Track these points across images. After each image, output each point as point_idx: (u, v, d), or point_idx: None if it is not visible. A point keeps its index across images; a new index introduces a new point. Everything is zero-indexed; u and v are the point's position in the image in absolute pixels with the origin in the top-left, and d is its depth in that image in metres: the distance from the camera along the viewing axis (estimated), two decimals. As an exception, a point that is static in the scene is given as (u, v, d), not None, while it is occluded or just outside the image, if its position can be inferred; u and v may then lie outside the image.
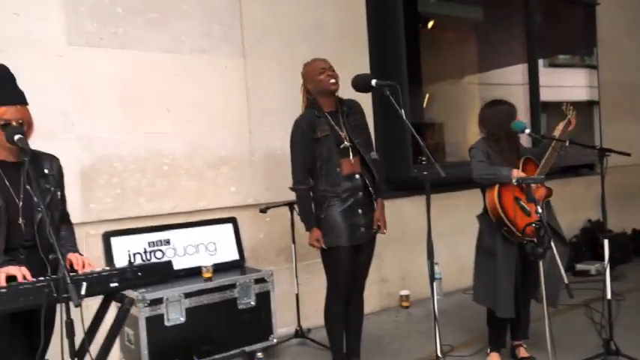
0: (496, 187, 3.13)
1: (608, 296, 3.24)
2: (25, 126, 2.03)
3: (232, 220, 3.89)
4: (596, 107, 6.60)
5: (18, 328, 2.01)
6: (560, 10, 6.46)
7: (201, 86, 3.82)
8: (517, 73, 6.19)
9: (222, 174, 3.92)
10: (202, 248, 3.71)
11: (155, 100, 3.64)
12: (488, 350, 3.36)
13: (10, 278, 1.83)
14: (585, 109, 6.60)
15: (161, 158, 3.66)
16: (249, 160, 4.04)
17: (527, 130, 3.11)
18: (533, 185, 2.78)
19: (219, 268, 3.61)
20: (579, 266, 5.59)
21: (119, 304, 1.98)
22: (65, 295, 1.62)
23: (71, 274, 1.75)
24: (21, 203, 2.06)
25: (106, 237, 3.40)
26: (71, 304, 1.65)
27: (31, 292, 1.72)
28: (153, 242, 3.55)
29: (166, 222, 3.65)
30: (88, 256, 2.16)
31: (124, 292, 1.96)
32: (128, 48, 3.53)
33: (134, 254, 3.46)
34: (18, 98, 2.05)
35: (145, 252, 3.51)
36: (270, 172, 4.12)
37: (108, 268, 1.99)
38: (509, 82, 6.25)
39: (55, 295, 1.68)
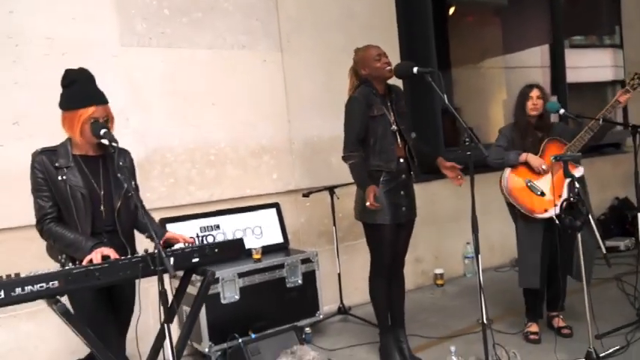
0: (506, 171, 3.35)
1: (641, 266, 3.40)
2: (110, 122, 2.26)
3: (276, 205, 4.11)
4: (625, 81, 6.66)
5: (103, 305, 2.24)
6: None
7: (242, 80, 4.03)
8: (536, 55, 6.29)
9: (264, 162, 4.13)
10: (249, 232, 3.93)
11: (201, 94, 3.86)
12: (526, 321, 3.54)
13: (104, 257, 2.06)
14: (605, 88, 6.68)
15: (208, 149, 3.89)
16: (289, 148, 4.25)
17: (562, 111, 3.27)
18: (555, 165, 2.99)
19: (266, 251, 3.83)
20: (608, 243, 5.69)
21: (201, 277, 2.20)
22: (161, 268, 1.84)
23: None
24: (102, 192, 2.27)
25: (162, 223, 3.62)
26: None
27: (129, 266, 1.95)
28: (204, 227, 3.78)
29: (215, 208, 3.88)
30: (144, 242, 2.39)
31: (204, 267, 2.18)
32: (175, 46, 3.75)
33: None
34: (103, 98, 2.27)
35: (198, 236, 3.73)
36: (309, 159, 4.33)
37: (190, 245, 2.21)
38: (529, 64, 6.35)
39: (152, 267, 1.90)
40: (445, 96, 2.66)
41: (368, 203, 2.93)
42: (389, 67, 3.08)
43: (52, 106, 2.31)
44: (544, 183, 3.29)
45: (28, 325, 3.25)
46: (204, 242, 3.68)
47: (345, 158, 3.12)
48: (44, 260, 2.32)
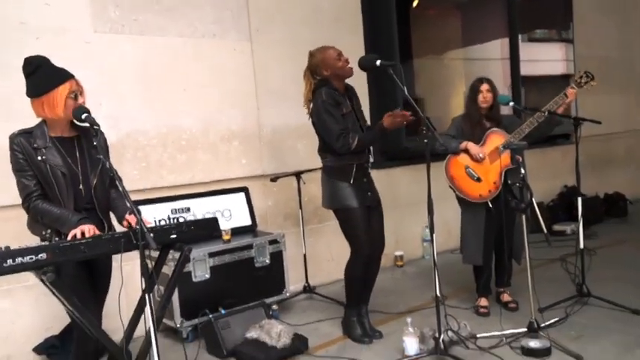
0: (447, 158, 3.65)
1: (581, 246, 3.73)
2: (84, 96, 2.37)
3: (244, 190, 4.28)
4: (574, 78, 7.06)
5: (84, 276, 2.38)
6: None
7: (213, 68, 4.17)
8: (496, 48, 6.59)
9: (233, 147, 4.29)
10: (219, 214, 4.10)
11: (173, 81, 3.98)
12: (477, 296, 3.85)
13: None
14: (561, 82, 7.05)
15: (180, 134, 4.03)
16: (258, 134, 4.42)
17: (511, 103, 3.56)
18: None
19: (235, 232, 4.00)
20: (556, 227, 6.11)
21: (179, 252, 2.37)
22: (143, 242, 2.01)
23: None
24: (79, 170, 2.39)
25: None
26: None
27: (112, 241, 2.11)
28: (175, 209, 3.93)
29: (186, 192, 4.03)
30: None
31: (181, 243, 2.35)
32: (147, 34, 3.86)
33: (159, 221, 3.84)
34: (70, 72, 2.37)
35: (169, 219, 3.89)
36: (276, 146, 4.52)
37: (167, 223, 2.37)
38: (489, 56, 6.64)
39: (135, 242, 2.06)
40: (405, 88, 2.89)
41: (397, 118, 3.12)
42: (350, 66, 3.27)
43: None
44: (482, 170, 3.58)
45: (3, 303, 3.35)
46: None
47: (345, 148, 3.18)
48: (21, 241, 2.43)
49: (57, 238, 2.15)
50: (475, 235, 3.65)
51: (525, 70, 6.42)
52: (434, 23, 6.26)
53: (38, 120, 2.40)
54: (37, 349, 3.37)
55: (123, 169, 3.74)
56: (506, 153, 3.47)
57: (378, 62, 3.04)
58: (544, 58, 7.26)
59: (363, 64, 3.13)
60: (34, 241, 2.27)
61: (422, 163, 3.95)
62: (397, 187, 5.29)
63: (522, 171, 3.14)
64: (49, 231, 2.23)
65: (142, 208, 3.77)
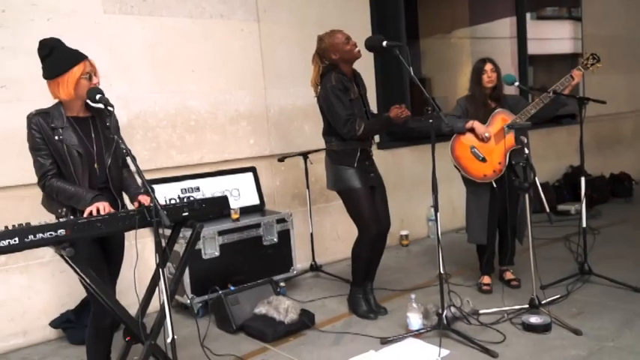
0: (453, 138, 3.68)
1: (584, 225, 3.78)
2: (98, 76, 2.42)
3: (252, 170, 4.35)
4: (580, 59, 7.04)
5: (99, 252, 2.47)
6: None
7: (221, 48, 4.21)
8: (505, 26, 6.55)
9: (241, 128, 4.35)
10: (227, 194, 4.17)
11: (182, 61, 4.03)
12: (480, 274, 3.93)
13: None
14: (570, 61, 7.02)
15: (189, 114, 4.09)
16: (265, 115, 4.47)
17: (517, 83, 3.58)
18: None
19: (243, 211, 4.09)
20: (560, 207, 6.16)
21: (190, 229, 2.45)
22: (157, 219, 2.09)
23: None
24: (95, 150, 2.47)
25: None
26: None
27: (127, 218, 2.19)
28: (185, 189, 4.01)
29: (195, 172, 4.11)
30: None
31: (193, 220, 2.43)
32: (156, 15, 3.90)
33: (169, 200, 3.90)
34: (84, 54, 2.42)
35: (179, 198, 3.94)
36: (284, 126, 4.57)
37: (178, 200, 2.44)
38: (496, 35, 6.61)
39: (149, 219, 2.14)
40: (411, 68, 2.92)
41: (402, 113, 3.25)
42: (358, 49, 3.32)
43: (38, 70, 2.42)
44: (487, 150, 3.61)
45: (20, 279, 3.47)
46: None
47: (352, 134, 3.25)
48: (35, 219, 2.50)
49: (72, 216, 2.22)
50: (479, 214, 3.71)
51: (533, 49, 6.38)
52: (441, 2, 6.23)
53: (51, 100, 2.47)
54: (53, 324, 3.49)
55: (133, 149, 3.69)
56: (510, 133, 3.49)
57: (385, 43, 3.07)
58: (552, 36, 7.20)
59: (370, 45, 3.17)
60: (49, 218, 2.36)
61: (427, 144, 3.99)
62: (403, 167, 5.35)
63: (526, 151, 3.18)
64: (64, 209, 2.31)
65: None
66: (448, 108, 4.27)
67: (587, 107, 3.68)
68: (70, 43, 2.48)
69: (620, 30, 7.40)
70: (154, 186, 3.82)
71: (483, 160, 3.49)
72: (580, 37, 6.96)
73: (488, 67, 3.63)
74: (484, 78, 3.63)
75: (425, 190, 5.41)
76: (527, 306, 3.28)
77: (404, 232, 5.31)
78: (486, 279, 3.88)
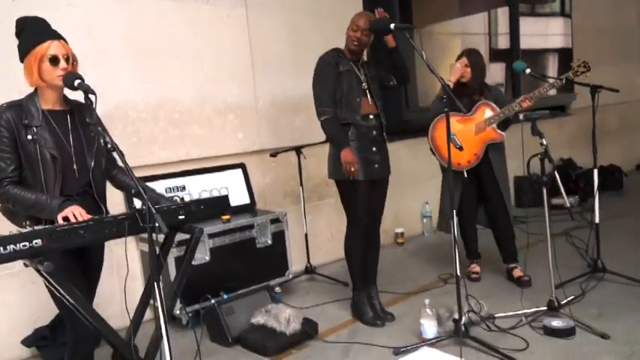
0: (435, 120, 3.59)
1: (597, 220, 3.60)
2: (72, 60, 2.09)
3: (242, 166, 4.04)
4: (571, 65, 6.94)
5: (74, 265, 2.13)
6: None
7: (206, 35, 3.87)
8: (478, 21, 6.39)
9: (229, 121, 4.03)
10: (216, 193, 3.85)
11: (164, 48, 3.68)
12: (468, 262, 3.93)
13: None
14: (560, 55, 6.91)
15: (172, 106, 3.74)
16: (255, 107, 4.15)
17: (528, 70, 3.38)
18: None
19: (233, 211, 3.75)
20: (554, 201, 5.97)
21: (189, 235, 2.14)
22: (151, 225, 1.77)
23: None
24: (73, 149, 2.12)
25: (126, 184, 3.49)
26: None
27: (115, 224, 1.86)
28: (170, 188, 3.67)
29: (179, 169, 3.77)
30: (109, 202, 2.27)
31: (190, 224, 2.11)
32: (136, -4, 3.54)
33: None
34: (57, 33, 2.10)
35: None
36: (274, 119, 4.26)
37: (177, 201, 2.13)
38: (470, 31, 6.44)
39: (142, 224, 1.82)
40: (424, 52, 2.66)
41: (347, 166, 3.00)
42: (356, 43, 3.11)
43: (12, 58, 2.12)
44: (466, 139, 3.48)
45: (-14, 293, 3.09)
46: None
47: (318, 114, 3.13)
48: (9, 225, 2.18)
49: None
50: (448, 202, 3.59)
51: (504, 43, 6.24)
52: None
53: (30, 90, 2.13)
54: (26, 342, 3.11)
55: None
56: (491, 127, 3.52)
57: (393, 25, 2.82)
58: (541, 32, 7.08)
59: (376, 28, 2.91)
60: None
61: (422, 137, 3.80)
62: (396, 161, 4.98)
63: (544, 142, 2.98)
64: (28, 222, 1.97)
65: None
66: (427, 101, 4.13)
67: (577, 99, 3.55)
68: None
69: (608, 21, 7.32)
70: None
71: (460, 148, 3.28)
72: (569, 33, 6.85)
73: (462, 62, 3.60)
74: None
75: (419, 186, 5.20)
76: (545, 308, 3.07)
77: (399, 230, 5.07)
78: (474, 267, 3.88)
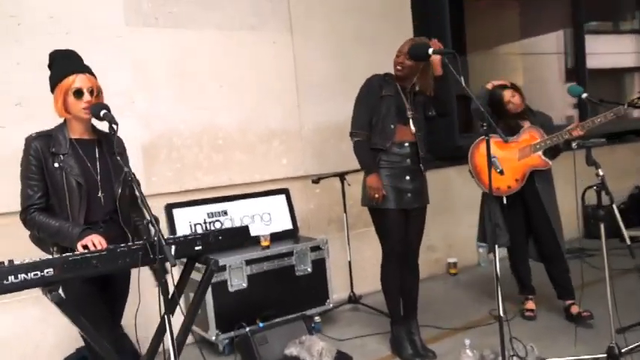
0: (475, 143, 3.46)
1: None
2: (97, 93, 2.13)
3: (285, 191, 4.01)
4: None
5: (94, 292, 2.13)
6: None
7: (251, 62, 3.91)
8: (551, 41, 6.10)
9: (273, 147, 4.03)
10: (258, 218, 3.84)
11: (208, 76, 3.75)
12: (523, 299, 3.68)
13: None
14: (628, 74, 6.47)
15: (216, 132, 3.79)
16: (299, 133, 4.13)
17: (585, 95, 3.16)
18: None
19: (275, 237, 3.75)
20: (629, 232, 5.46)
21: (204, 266, 2.11)
22: (161, 257, 1.75)
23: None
24: (99, 177, 2.17)
25: (168, 208, 3.56)
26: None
27: (128, 254, 1.86)
28: (212, 213, 3.70)
29: (222, 194, 3.80)
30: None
31: (207, 255, 2.08)
32: (182, 27, 3.64)
33: (195, 225, 3.62)
34: (84, 67, 2.15)
35: (205, 222, 3.66)
36: (319, 145, 4.22)
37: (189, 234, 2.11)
38: (543, 51, 6.17)
39: (152, 256, 1.81)
40: (462, 79, 2.52)
41: (371, 192, 2.95)
42: (398, 67, 3.03)
43: None
44: (508, 164, 3.28)
45: (33, 310, 3.20)
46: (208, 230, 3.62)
47: (351, 135, 3.11)
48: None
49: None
50: (489, 220, 3.44)
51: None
52: (489, 14, 5.83)
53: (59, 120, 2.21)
54: (68, 360, 3.20)
55: (156, 170, 3.57)
56: (537, 154, 3.35)
57: (430, 50, 2.70)
58: (604, 50, 6.68)
59: (415, 53, 2.80)
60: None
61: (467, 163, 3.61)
62: (449, 188, 4.90)
63: (600, 172, 2.73)
64: (55, 248, 2.01)
65: (176, 211, 3.60)
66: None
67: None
68: (90, 58, 2.24)
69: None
70: (178, 210, 3.57)
71: (501, 172, 3.06)
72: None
73: (508, 93, 3.41)
74: (509, 107, 3.42)
75: (473, 213, 4.95)
76: (604, 355, 2.78)
77: (452, 260, 4.84)
78: (529, 304, 3.62)
